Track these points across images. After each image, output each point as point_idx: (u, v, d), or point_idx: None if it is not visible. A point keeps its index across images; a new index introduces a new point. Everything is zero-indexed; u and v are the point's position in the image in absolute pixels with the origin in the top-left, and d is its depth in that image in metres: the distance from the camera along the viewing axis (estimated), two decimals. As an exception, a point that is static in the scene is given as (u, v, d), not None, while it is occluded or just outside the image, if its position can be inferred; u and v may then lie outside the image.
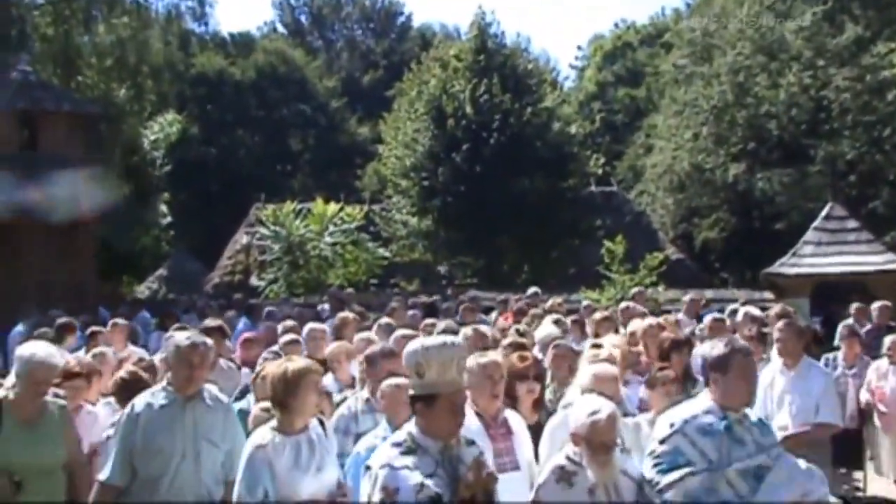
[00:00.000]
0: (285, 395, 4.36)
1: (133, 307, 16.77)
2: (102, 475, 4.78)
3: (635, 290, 14.03)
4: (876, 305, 11.17)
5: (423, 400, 3.55)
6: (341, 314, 9.75)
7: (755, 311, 9.14)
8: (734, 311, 9.95)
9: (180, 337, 4.93)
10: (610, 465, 4.14)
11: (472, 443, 3.77)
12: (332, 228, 22.93)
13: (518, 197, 23.74)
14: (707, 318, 9.41)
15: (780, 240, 19.88)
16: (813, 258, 16.48)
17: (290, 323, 9.45)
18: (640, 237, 24.34)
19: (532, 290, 14.44)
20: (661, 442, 4.33)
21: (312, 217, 23.23)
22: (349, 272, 22.56)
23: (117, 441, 4.81)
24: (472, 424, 4.42)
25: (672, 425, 4.34)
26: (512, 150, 24.30)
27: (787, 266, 16.63)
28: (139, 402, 4.82)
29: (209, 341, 5.06)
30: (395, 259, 25.53)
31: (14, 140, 18.55)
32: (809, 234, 17.09)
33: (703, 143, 27.00)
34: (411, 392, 3.61)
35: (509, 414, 4.93)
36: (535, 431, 5.10)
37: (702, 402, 4.42)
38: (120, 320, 10.07)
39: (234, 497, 4.30)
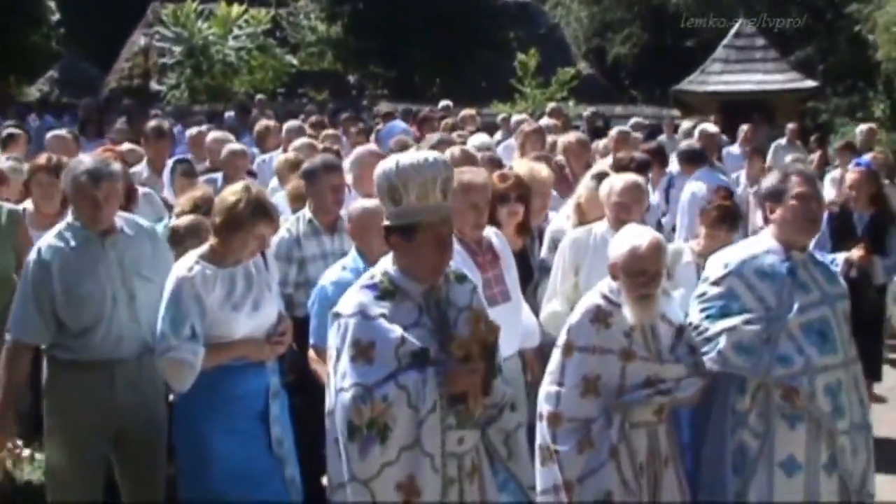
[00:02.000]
0: (228, 230, 3.75)
1: (24, 109, 15.95)
2: (14, 333, 3.99)
3: (552, 105, 14.00)
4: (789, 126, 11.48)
5: (401, 231, 2.93)
6: (263, 121, 9.43)
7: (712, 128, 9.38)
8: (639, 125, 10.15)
9: (77, 167, 4.02)
10: (651, 303, 3.64)
11: (463, 278, 3.17)
12: (236, 32, 21.92)
13: (430, 4, 23.01)
14: (612, 131, 9.43)
15: (690, 57, 19.96)
16: (721, 76, 16.71)
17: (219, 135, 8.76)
18: (553, 51, 24.03)
19: (444, 102, 14.31)
20: (714, 284, 3.82)
21: (216, 19, 22.07)
22: (255, 79, 21.83)
23: (28, 293, 3.98)
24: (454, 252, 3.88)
25: (726, 265, 3.81)
26: (426, -46, 23.33)
27: (695, 84, 16.87)
28: (45, 245, 4.01)
29: (117, 168, 4.17)
30: (304, 68, 24.74)
31: None
32: (718, 52, 17.26)
33: (620, -45, 26.42)
34: (386, 222, 3.00)
35: (491, 233, 4.38)
36: (520, 259, 4.67)
37: (763, 240, 3.89)
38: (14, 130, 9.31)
39: (157, 334, 3.71)
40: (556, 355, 3.79)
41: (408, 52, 23.80)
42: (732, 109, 13.57)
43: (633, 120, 11.39)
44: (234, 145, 7.56)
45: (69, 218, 4.11)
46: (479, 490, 3.04)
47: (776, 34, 20.18)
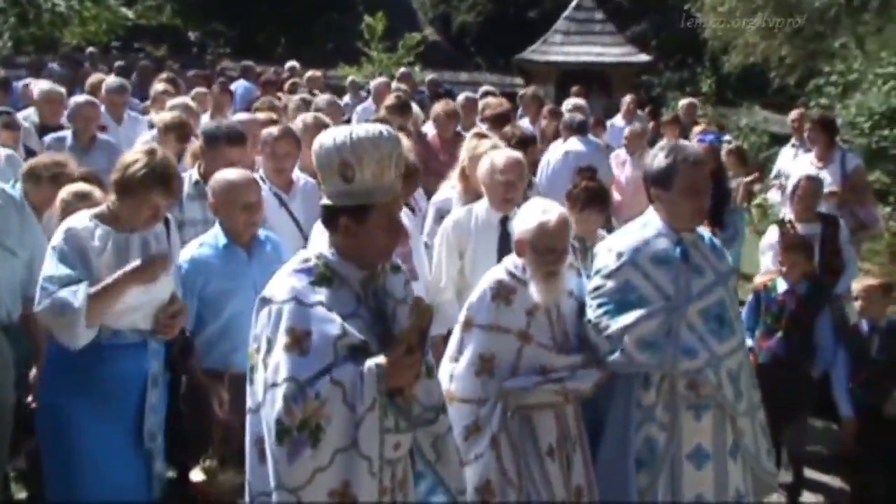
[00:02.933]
0: (120, 192, 3.51)
1: None
2: None
3: (402, 70, 14.03)
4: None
5: (351, 212, 2.62)
6: (96, 75, 8.93)
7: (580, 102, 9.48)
8: (488, 93, 10.31)
9: None
10: (557, 280, 3.53)
11: (397, 268, 2.90)
12: (67, -20, 20.72)
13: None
14: (460, 97, 9.53)
15: (533, 27, 20.45)
16: (561, 47, 17.23)
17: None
18: (399, 16, 24.03)
19: (290, 63, 14.08)
20: (608, 276, 3.64)
21: (44, -34, 20.80)
22: (87, 31, 20.74)
23: None
24: None
25: (620, 255, 3.63)
26: None
27: (537, 53, 17.31)
28: None
29: None
30: (141, 21, 23.69)
31: None
32: (559, 24, 17.77)
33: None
34: (331, 201, 2.66)
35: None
36: None
37: (651, 223, 3.69)
38: None
39: (38, 290, 3.43)
40: (455, 331, 3.67)
41: (251, 10, 23.21)
42: (571, 79, 14.03)
43: (482, 88, 11.51)
44: (82, 97, 7.16)
45: None
46: (405, 500, 2.78)
47: (614, 9, 20.93)
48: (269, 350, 2.58)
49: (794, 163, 7.97)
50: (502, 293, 3.57)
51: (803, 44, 16.21)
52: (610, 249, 3.70)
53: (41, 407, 3.62)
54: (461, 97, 9.37)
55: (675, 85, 21.15)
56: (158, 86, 9.06)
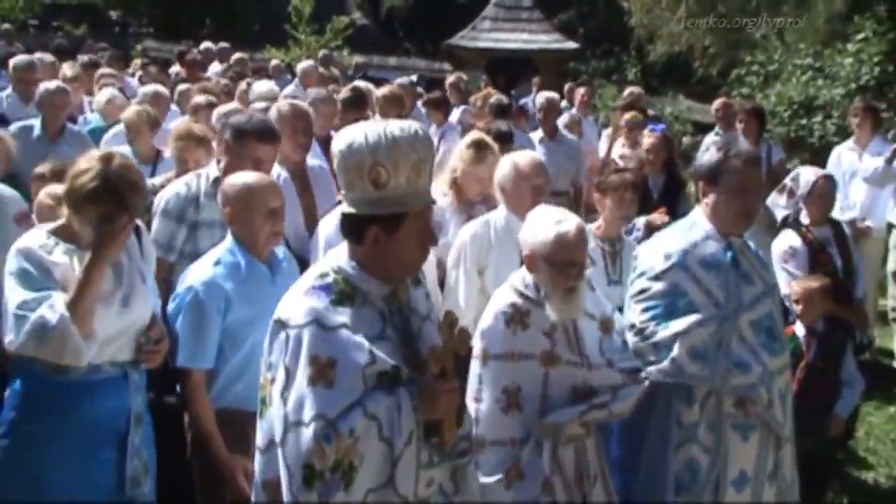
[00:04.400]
0: (76, 207, 3.00)
1: None
2: None
3: (323, 52, 13.85)
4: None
5: (383, 222, 2.32)
6: (26, 56, 8.39)
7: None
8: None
9: None
10: (578, 296, 3.15)
11: (417, 281, 2.59)
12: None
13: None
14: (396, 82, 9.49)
15: (462, 13, 20.44)
16: (490, 33, 17.28)
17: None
18: (327, -2, 23.81)
19: (221, 45, 13.57)
20: (655, 278, 3.35)
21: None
22: (3, 8, 20.01)
23: None
24: None
25: (668, 256, 3.36)
26: None
27: (466, 39, 17.34)
28: None
29: None
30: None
31: None
32: (488, 10, 17.82)
33: None
34: (358, 210, 2.34)
35: None
36: None
37: (699, 224, 3.44)
38: None
39: (8, 312, 2.94)
40: (473, 367, 3.20)
41: (176, -10, 22.69)
42: (500, 65, 14.09)
43: (413, 76, 11.41)
44: (52, 83, 6.60)
45: None
46: None
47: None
48: (288, 382, 2.28)
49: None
50: (516, 317, 3.18)
51: (725, 34, 16.56)
52: (656, 250, 3.43)
53: (3, 452, 3.04)
54: (397, 82, 9.34)
55: (602, 73, 21.39)
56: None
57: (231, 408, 3.34)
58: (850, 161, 7.44)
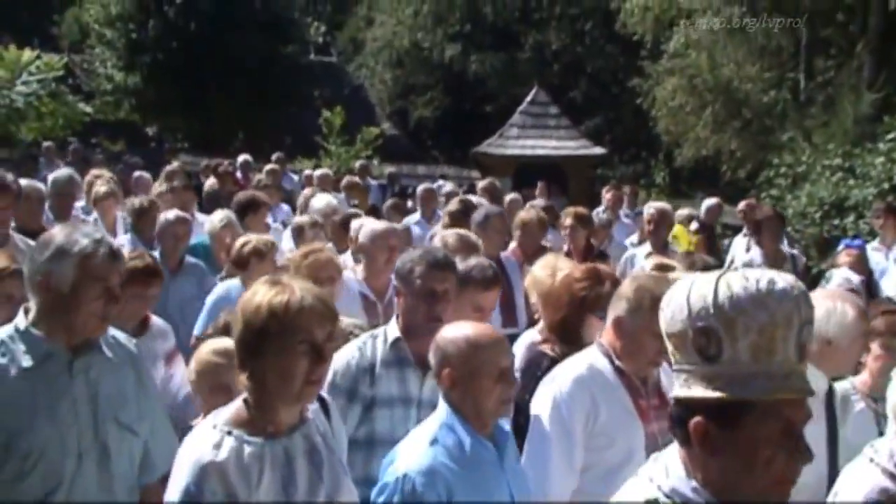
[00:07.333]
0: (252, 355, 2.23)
1: None
2: None
3: (360, 162, 14.05)
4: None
5: (714, 412, 1.60)
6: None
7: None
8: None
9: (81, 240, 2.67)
10: None
11: None
12: (26, 77, 20.73)
13: (233, 58, 22.82)
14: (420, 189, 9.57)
15: (489, 121, 20.82)
16: (517, 140, 17.50)
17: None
18: (357, 111, 24.38)
19: (242, 157, 13.48)
20: None
21: (2, 63, 20.81)
22: (44, 126, 20.67)
23: None
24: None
25: None
26: (228, 7, 23.28)
27: (494, 147, 17.55)
28: None
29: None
30: (99, 116, 23.71)
31: None
32: (515, 118, 18.08)
33: (423, 21, 27.32)
34: (690, 394, 1.63)
35: (660, 369, 3.08)
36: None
37: None
38: None
39: None
40: None
41: (208, 104, 23.40)
42: (528, 172, 14.18)
43: (446, 186, 11.38)
44: (172, 213, 5.97)
45: (25, 317, 2.70)
46: None
47: (568, 103, 21.43)
48: None
49: (748, 254, 8.22)
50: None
51: (752, 137, 16.66)
52: None
53: None
54: (420, 188, 9.42)
55: (630, 178, 21.56)
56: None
57: None
58: (877, 261, 7.58)
